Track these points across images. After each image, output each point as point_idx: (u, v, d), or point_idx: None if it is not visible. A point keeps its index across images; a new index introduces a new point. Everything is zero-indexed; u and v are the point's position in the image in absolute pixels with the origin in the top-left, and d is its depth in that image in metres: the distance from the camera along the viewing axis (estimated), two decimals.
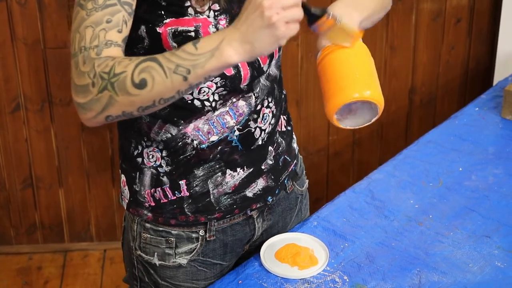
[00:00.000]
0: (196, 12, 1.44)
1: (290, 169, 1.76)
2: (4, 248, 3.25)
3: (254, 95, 1.59)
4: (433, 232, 1.77)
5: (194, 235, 1.66)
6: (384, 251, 1.72)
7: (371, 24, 1.63)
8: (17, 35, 2.87)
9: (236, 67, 1.53)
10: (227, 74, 1.52)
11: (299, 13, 1.29)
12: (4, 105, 2.97)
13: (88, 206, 3.20)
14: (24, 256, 3.24)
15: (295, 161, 1.79)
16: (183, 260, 1.67)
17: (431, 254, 1.70)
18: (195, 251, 1.67)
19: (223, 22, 1.47)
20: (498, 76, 2.95)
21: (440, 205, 1.87)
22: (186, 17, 1.45)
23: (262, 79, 1.59)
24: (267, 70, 1.60)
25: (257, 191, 1.67)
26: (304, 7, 1.37)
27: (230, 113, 1.57)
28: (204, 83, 1.45)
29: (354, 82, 1.42)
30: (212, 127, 1.57)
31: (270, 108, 1.64)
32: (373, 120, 1.47)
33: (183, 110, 1.54)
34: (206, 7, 1.45)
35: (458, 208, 1.86)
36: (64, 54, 2.91)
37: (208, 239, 1.67)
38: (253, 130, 1.62)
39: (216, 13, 1.46)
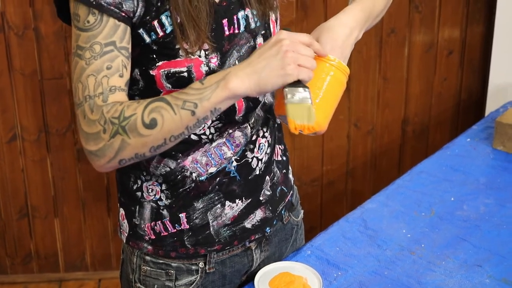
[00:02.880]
0: (187, 53, 1.46)
1: (286, 200, 1.77)
2: None
3: (250, 125, 1.60)
4: (425, 261, 1.78)
5: (194, 267, 1.67)
6: (377, 280, 1.72)
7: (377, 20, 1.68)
8: (14, 65, 2.89)
9: None
10: None
11: (312, 63, 1.37)
12: (1, 135, 2.99)
13: (83, 236, 3.21)
14: (20, 286, 3.24)
15: (291, 191, 1.81)
16: None
17: (423, 283, 1.71)
18: (194, 283, 1.67)
19: (214, 60, 1.49)
20: (490, 107, 2.97)
21: (432, 235, 1.88)
22: (178, 59, 1.46)
23: (257, 109, 1.61)
24: (262, 100, 1.62)
25: (255, 222, 1.69)
26: None
27: (227, 144, 1.59)
28: (214, 117, 1.47)
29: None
30: (210, 158, 1.58)
31: (266, 137, 1.66)
32: (308, 134, 1.47)
33: (181, 143, 1.54)
34: (196, 49, 1.46)
35: (450, 238, 1.87)
36: (61, 85, 2.93)
37: (207, 271, 1.67)
38: (250, 160, 1.63)
39: (207, 52, 1.48)
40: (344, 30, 1.51)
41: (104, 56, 1.39)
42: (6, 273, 3.25)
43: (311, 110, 1.38)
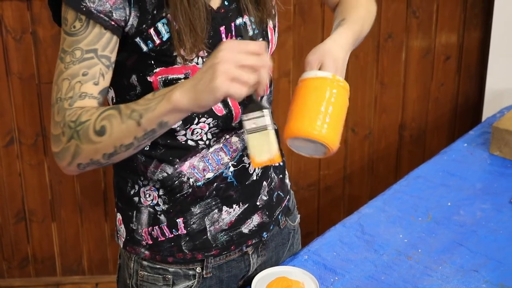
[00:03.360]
0: (185, 60, 1.46)
1: (283, 205, 1.78)
2: None
3: None
4: (422, 266, 1.79)
5: (191, 272, 1.67)
6: (374, 285, 1.73)
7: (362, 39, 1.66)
8: (12, 69, 2.89)
9: (227, 106, 1.55)
10: (219, 115, 1.54)
11: (249, 77, 1.25)
12: None
13: (80, 240, 3.21)
14: None
15: (288, 196, 1.81)
16: None
17: None
18: None
19: None
20: (487, 112, 2.98)
21: (429, 240, 1.89)
22: (176, 66, 1.47)
23: None
24: None
25: (252, 227, 1.69)
26: (251, 96, 1.34)
27: (224, 149, 1.59)
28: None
29: (317, 119, 1.41)
30: (207, 164, 1.59)
31: None
32: (321, 157, 1.48)
33: (178, 149, 1.56)
34: (194, 55, 1.46)
35: (447, 243, 1.88)
36: None
37: (205, 276, 1.68)
38: (247, 165, 1.64)
39: (204, 59, 1.48)
40: (342, 53, 1.51)
41: (83, 63, 1.39)
42: (3, 277, 3.25)
43: (270, 139, 1.34)
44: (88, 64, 1.39)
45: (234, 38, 1.52)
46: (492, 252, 1.84)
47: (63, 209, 3.14)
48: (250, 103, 1.34)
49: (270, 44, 1.60)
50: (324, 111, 1.42)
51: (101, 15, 1.39)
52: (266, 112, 1.34)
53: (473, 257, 1.82)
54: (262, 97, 1.61)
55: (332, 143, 1.42)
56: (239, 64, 1.24)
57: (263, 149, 1.34)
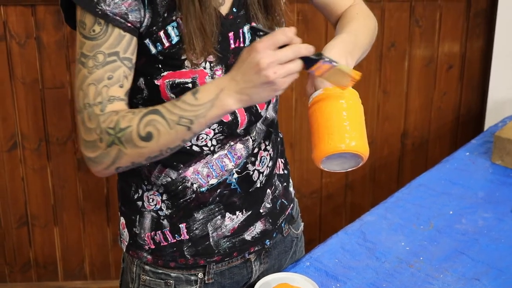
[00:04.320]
0: (192, 64, 1.47)
1: (287, 213, 1.78)
2: None
3: (251, 138, 1.61)
4: (424, 274, 1.79)
5: (193, 277, 1.67)
6: None
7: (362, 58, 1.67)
8: (16, 74, 2.90)
9: (233, 113, 1.56)
10: (225, 121, 1.55)
11: (296, 66, 1.33)
12: (1, 143, 2.99)
13: (82, 244, 3.21)
14: None
15: (292, 204, 1.81)
16: None
17: None
18: None
19: (219, 72, 1.50)
20: (489, 121, 2.99)
21: (430, 248, 1.89)
22: (183, 70, 1.47)
23: (259, 123, 1.62)
24: (264, 115, 1.63)
25: (255, 234, 1.69)
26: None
27: (229, 156, 1.60)
28: (198, 140, 1.51)
29: (343, 133, 1.43)
30: (211, 170, 1.59)
31: (268, 151, 1.67)
32: (357, 167, 1.50)
33: (182, 154, 1.56)
34: (202, 60, 1.47)
35: (449, 251, 1.88)
36: (62, 94, 2.94)
37: (206, 282, 1.68)
38: (251, 172, 1.64)
39: (212, 64, 1.49)
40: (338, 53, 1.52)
41: (106, 66, 1.40)
42: (5, 282, 3.25)
43: (340, 71, 1.41)
44: (112, 68, 1.41)
45: (242, 44, 1.52)
46: (493, 261, 1.84)
47: (66, 213, 3.15)
48: (306, 60, 1.37)
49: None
50: (346, 123, 1.44)
51: (117, 17, 1.40)
52: (321, 55, 1.39)
53: (474, 265, 1.82)
54: (270, 103, 1.63)
55: (363, 151, 1.45)
56: (281, 62, 1.31)
57: (342, 80, 1.42)
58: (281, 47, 1.33)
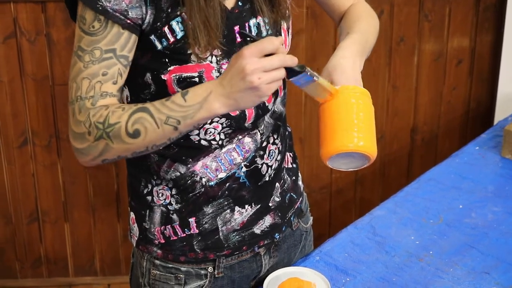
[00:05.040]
0: (199, 58, 1.48)
1: (296, 207, 1.79)
2: (9, 281, 3.26)
3: (259, 131, 1.62)
4: (433, 268, 1.79)
5: (203, 271, 1.68)
6: (385, 286, 1.74)
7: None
8: (26, 71, 2.91)
9: None
10: (232, 115, 1.56)
11: (280, 73, 1.36)
12: (12, 140, 3.01)
13: (93, 240, 3.23)
14: None
15: (301, 198, 1.82)
16: None
17: None
18: None
19: (225, 66, 1.51)
20: (499, 116, 2.98)
21: (440, 242, 1.89)
22: (190, 64, 1.49)
23: (267, 117, 1.63)
24: (271, 108, 1.63)
25: (264, 228, 1.70)
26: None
27: (237, 149, 1.61)
28: (194, 129, 1.52)
29: (351, 132, 1.44)
30: (220, 164, 1.60)
31: (276, 144, 1.67)
32: (363, 167, 1.50)
33: (191, 149, 1.58)
34: (208, 54, 1.48)
35: (458, 245, 1.88)
36: None
37: (216, 275, 1.69)
38: (260, 166, 1.65)
39: (218, 58, 1.50)
40: (347, 62, 1.54)
41: (102, 63, 1.43)
42: (16, 277, 3.26)
43: (319, 85, 1.43)
44: (107, 64, 1.43)
45: (249, 38, 1.52)
46: (503, 254, 1.84)
47: (76, 210, 3.16)
48: (289, 70, 1.39)
49: (284, 45, 1.61)
50: (355, 123, 1.45)
51: (117, 14, 1.41)
52: (305, 68, 1.41)
53: (484, 259, 1.83)
54: (277, 96, 1.64)
55: (371, 151, 1.45)
56: (266, 69, 1.34)
57: (321, 94, 1.46)
58: (268, 55, 1.36)
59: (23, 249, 3.21)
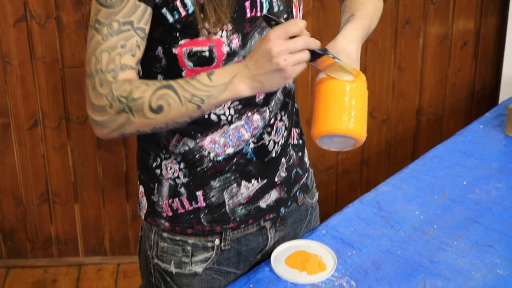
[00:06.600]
0: (209, 32, 1.50)
1: (301, 182, 1.81)
2: (20, 261, 3.30)
3: (269, 109, 1.64)
4: (438, 241, 1.82)
5: (209, 244, 1.71)
6: (390, 259, 1.76)
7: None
8: (36, 54, 2.94)
9: None
10: None
11: (305, 55, 1.40)
12: (23, 122, 3.04)
13: (102, 221, 3.26)
14: (40, 270, 3.29)
15: (306, 174, 1.84)
16: (198, 268, 1.71)
17: (435, 262, 1.74)
18: (210, 260, 1.71)
19: (235, 41, 1.53)
20: (503, 97, 2.99)
21: (444, 216, 1.92)
22: (200, 38, 1.50)
23: (278, 93, 1.65)
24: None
25: (270, 202, 1.73)
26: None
27: (246, 126, 1.63)
28: (216, 109, 1.56)
29: (342, 114, 1.48)
30: (228, 139, 1.63)
31: (283, 121, 1.70)
32: (352, 148, 1.54)
33: (200, 124, 1.59)
34: (217, 29, 1.50)
35: (462, 219, 1.91)
36: (81, 73, 2.97)
37: (223, 248, 1.72)
38: (267, 143, 1.67)
39: (228, 33, 1.52)
40: (354, 47, 1.58)
41: (120, 35, 1.44)
42: (26, 257, 3.30)
43: (341, 67, 1.47)
44: (125, 36, 1.45)
45: (259, 14, 1.55)
46: (506, 228, 1.87)
47: (86, 191, 3.19)
48: (312, 53, 1.43)
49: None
50: (347, 106, 1.48)
51: None
52: (326, 50, 1.45)
53: (487, 233, 1.85)
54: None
55: (360, 135, 1.49)
56: (292, 51, 1.37)
57: (343, 76, 1.49)
58: (292, 37, 1.39)
59: (34, 229, 3.24)
